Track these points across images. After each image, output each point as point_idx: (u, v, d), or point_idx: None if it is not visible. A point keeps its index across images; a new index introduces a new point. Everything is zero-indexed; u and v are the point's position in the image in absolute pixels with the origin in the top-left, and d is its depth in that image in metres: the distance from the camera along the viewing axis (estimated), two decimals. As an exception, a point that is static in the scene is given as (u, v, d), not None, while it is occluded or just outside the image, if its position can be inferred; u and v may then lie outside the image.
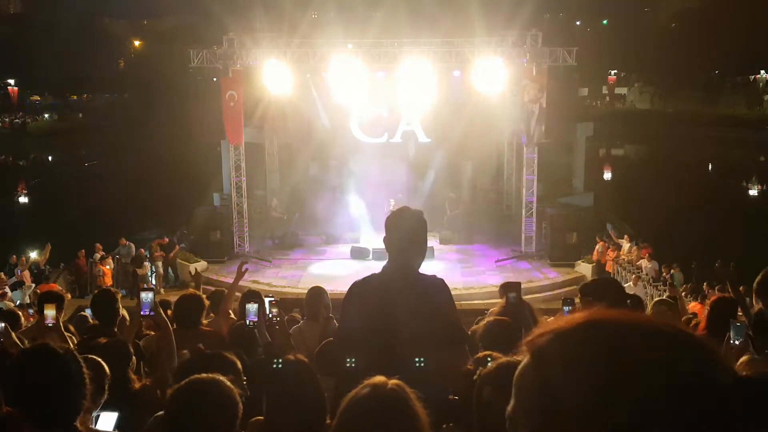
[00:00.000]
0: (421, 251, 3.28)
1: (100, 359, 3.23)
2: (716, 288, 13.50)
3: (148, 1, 66.62)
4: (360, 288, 3.35)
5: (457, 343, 3.31)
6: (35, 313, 8.47)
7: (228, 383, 2.36)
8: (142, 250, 17.42)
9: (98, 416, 3.05)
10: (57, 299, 4.84)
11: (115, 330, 4.72)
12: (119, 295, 4.98)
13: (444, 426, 2.64)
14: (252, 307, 4.53)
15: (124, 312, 5.04)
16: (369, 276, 3.38)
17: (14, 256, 16.25)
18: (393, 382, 1.88)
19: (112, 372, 3.27)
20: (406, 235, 3.24)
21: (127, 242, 17.85)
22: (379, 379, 1.89)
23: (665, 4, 66.64)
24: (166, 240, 18.33)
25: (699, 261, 15.98)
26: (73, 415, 2.37)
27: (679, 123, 54.18)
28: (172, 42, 52.50)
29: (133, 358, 3.94)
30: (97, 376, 3.07)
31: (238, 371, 2.93)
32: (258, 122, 20.76)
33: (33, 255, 16.67)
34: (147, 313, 4.32)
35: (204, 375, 2.41)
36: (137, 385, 3.80)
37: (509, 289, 3.72)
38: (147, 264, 16.95)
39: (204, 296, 5.35)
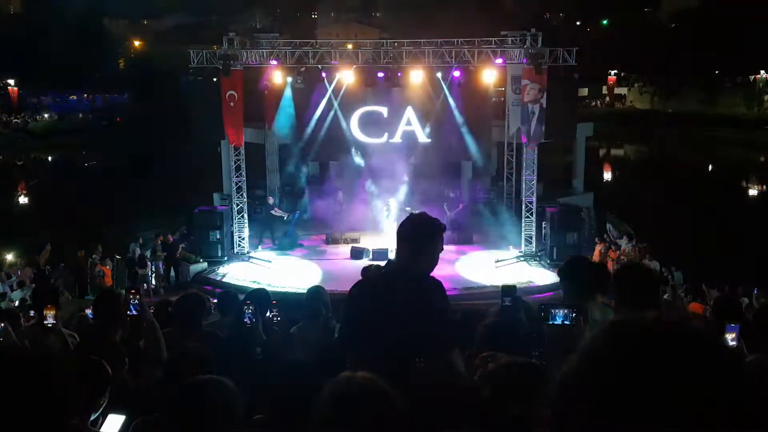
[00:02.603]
0: (430, 259, 3.28)
1: (104, 362, 3.23)
2: (715, 288, 13.50)
3: (148, 1, 66.49)
4: (359, 289, 3.36)
5: (447, 345, 3.30)
6: (35, 314, 8.46)
7: (230, 383, 2.36)
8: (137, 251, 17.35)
9: (101, 418, 3.06)
10: (52, 293, 4.83)
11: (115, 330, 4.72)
12: (122, 297, 4.99)
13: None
14: (249, 308, 4.54)
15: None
16: (370, 278, 3.38)
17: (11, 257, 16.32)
18: (363, 372, 1.90)
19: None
20: (417, 239, 3.23)
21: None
22: (348, 372, 1.91)
23: (665, 4, 66.62)
24: (171, 238, 18.03)
25: (699, 261, 15.97)
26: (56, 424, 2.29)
27: (679, 123, 54.15)
28: (172, 42, 52.40)
29: (126, 358, 3.95)
30: (97, 378, 3.07)
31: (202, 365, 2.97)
32: (258, 122, 20.75)
33: (9, 257, 16.68)
34: (133, 312, 4.36)
35: (206, 376, 2.41)
36: (131, 384, 3.81)
37: (504, 293, 3.71)
38: (148, 264, 16.92)
39: (206, 296, 5.36)
